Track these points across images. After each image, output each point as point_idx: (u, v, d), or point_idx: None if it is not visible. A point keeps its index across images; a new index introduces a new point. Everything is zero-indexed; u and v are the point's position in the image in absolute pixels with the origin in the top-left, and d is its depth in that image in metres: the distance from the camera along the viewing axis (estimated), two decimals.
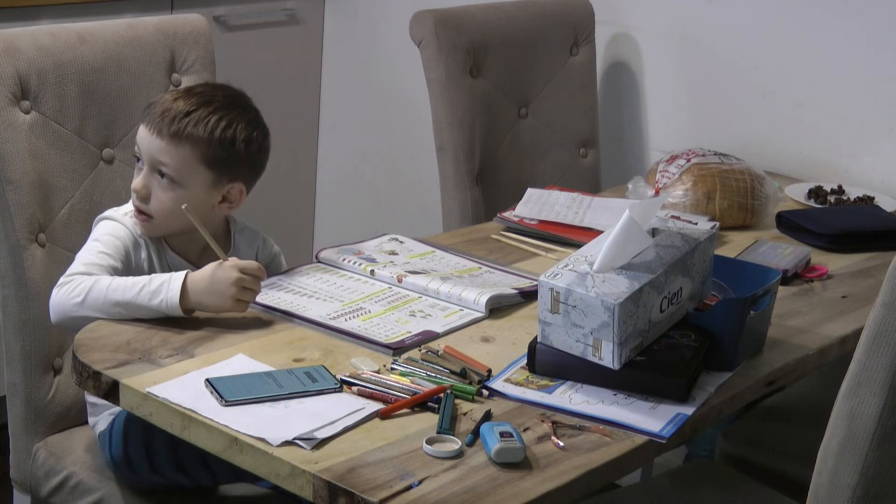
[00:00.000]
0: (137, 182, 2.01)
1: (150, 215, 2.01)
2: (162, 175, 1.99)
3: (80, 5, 3.01)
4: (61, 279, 1.93)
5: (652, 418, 1.68)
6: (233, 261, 1.90)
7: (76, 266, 1.95)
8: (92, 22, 2.30)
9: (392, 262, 2.15)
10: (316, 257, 2.18)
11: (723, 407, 1.78)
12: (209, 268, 1.90)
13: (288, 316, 1.93)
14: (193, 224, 1.92)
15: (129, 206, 2.05)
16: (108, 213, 2.06)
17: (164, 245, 2.05)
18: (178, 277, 1.88)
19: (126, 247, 2.01)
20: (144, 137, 1.99)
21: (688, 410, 1.71)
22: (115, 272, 1.96)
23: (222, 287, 1.87)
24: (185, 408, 1.64)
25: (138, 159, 2.02)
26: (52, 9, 2.95)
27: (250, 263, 1.91)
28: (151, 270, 2.02)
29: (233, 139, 1.99)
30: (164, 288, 1.87)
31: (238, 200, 2.05)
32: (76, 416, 2.19)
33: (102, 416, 2.05)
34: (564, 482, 1.54)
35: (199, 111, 1.98)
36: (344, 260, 2.14)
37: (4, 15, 2.85)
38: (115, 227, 2.02)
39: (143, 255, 2.03)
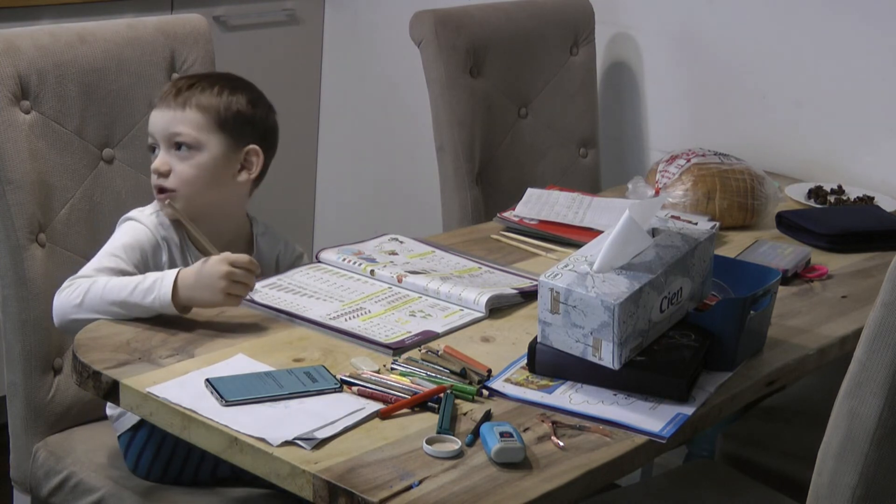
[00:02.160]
0: (157, 161, 2.03)
1: (172, 189, 2.02)
2: (179, 147, 2.02)
3: (80, 5, 3.01)
4: (64, 283, 1.93)
5: (652, 418, 1.68)
6: (224, 255, 1.89)
7: (83, 269, 1.96)
8: (92, 22, 2.30)
9: (392, 262, 2.15)
10: (316, 257, 2.18)
11: (723, 407, 1.78)
12: (198, 263, 1.90)
13: (288, 316, 1.93)
14: (216, 198, 2.00)
15: (153, 206, 2.05)
16: (132, 213, 2.05)
17: (188, 244, 2.05)
18: (170, 274, 1.88)
19: (143, 250, 2.00)
20: (156, 119, 2.04)
21: (688, 410, 1.71)
22: (125, 276, 1.94)
23: (211, 280, 1.87)
24: (185, 408, 1.64)
25: (153, 150, 2.05)
26: (52, 9, 2.95)
27: (241, 257, 1.90)
28: None
29: (238, 102, 2.06)
30: (157, 285, 1.87)
31: (256, 165, 2.08)
32: (76, 416, 2.19)
33: None
34: (564, 482, 1.54)
35: (203, 82, 2.06)
36: (344, 260, 2.14)
37: (4, 15, 2.85)
38: (136, 229, 2.02)
39: (164, 258, 2.02)
